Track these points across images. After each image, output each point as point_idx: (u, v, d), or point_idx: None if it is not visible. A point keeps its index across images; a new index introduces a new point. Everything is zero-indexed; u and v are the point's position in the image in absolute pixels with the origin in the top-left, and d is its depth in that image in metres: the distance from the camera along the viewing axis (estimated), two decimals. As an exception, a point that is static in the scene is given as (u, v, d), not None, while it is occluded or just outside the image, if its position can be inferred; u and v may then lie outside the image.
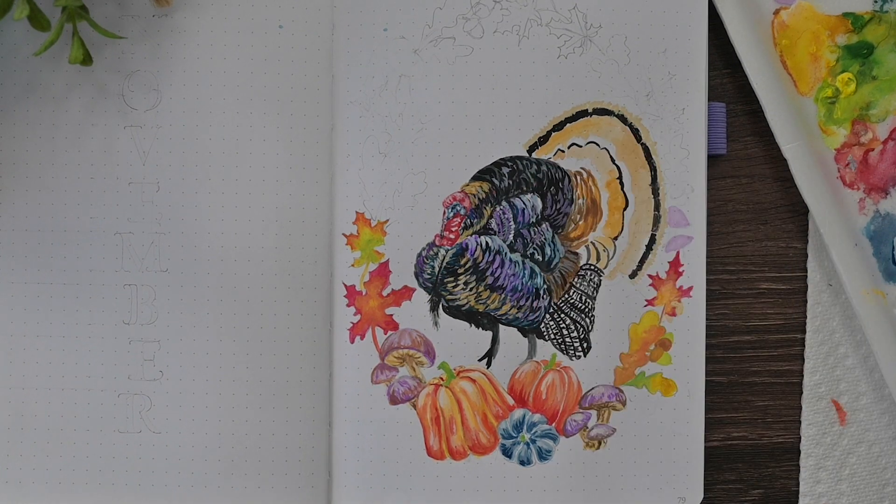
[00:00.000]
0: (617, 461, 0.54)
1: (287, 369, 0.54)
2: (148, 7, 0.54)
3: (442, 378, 0.54)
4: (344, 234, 0.54)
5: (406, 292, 0.54)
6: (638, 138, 0.54)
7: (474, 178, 0.54)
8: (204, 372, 0.54)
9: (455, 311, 0.54)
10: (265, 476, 0.54)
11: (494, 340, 0.54)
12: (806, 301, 0.56)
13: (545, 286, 0.54)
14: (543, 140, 0.54)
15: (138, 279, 0.54)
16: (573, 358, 0.54)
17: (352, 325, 0.54)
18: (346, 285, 0.54)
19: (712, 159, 0.56)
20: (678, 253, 0.54)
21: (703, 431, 0.54)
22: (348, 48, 0.54)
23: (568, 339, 0.54)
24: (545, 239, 0.54)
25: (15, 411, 0.54)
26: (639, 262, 0.54)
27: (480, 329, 0.54)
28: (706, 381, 0.55)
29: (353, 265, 0.54)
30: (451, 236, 0.54)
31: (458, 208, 0.54)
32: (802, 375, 0.56)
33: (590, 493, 0.54)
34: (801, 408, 0.56)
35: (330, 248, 0.54)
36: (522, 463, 0.54)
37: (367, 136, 0.54)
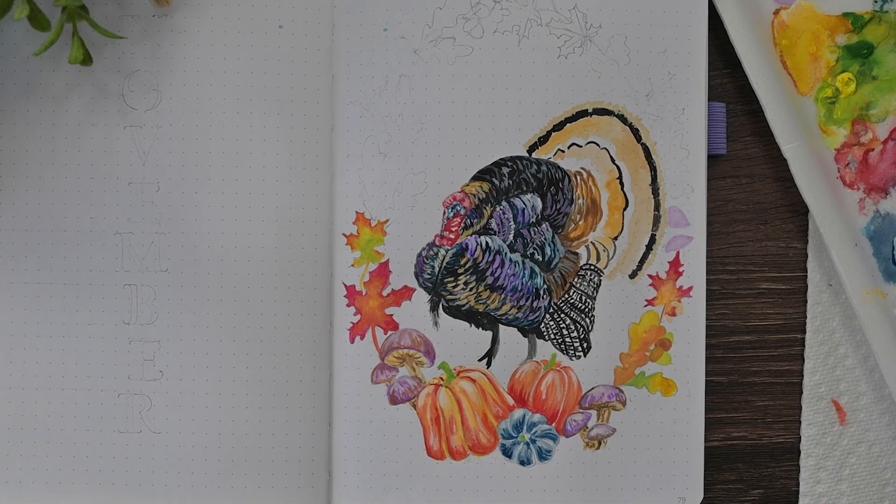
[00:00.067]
0: (617, 461, 0.54)
1: (287, 369, 0.54)
2: (148, 7, 0.54)
3: (442, 378, 0.54)
4: (344, 234, 0.54)
5: (406, 292, 0.54)
6: (638, 138, 0.54)
7: (474, 178, 0.54)
8: (204, 372, 0.54)
9: (455, 311, 0.54)
10: (265, 476, 0.54)
11: (494, 340, 0.54)
12: (806, 301, 0.56)
13: (545, 286, 0.54)
14: (543, 140, 0.54)
15: (138, 279, 0.54)
16: (573, 358, 0.54)
17: (352, 325, 0.54)
18: (346, 285, 0.54)
19: (712, 159, 0.56)
20: (678, 253, 0.54)
21: (703, 431, 0.54)
22: (348, 48, 0.54)
23: (568, 339, 0.54)
24: (545, 239, 0.54)
25: (15, 411, 0.54)
26: (639, 262, 0.54)
27: (480, 329, 0.54)
28: (706, 381, 0.55)
29: (353, 265, 0.54)
30: (451, 236, 0.54)
31: (458, 208, 0.54)
32: (802, 375, 0.56)
33: (590, 493, 0.54)
34: (801, 408, 0.56)
35: (330, 248, 0.54)
36: (522, 463, 0.54)
37: (367, 136, 0.54)
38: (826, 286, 0.56)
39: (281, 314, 0.54)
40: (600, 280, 0.54)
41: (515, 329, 0.54)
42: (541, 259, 0.54)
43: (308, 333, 0.54)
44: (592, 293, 0.54)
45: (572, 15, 0.54)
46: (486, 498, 0.54)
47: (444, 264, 0.54)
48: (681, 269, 0.54)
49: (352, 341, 0.54)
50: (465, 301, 0.54)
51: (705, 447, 0.56)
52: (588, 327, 0.54)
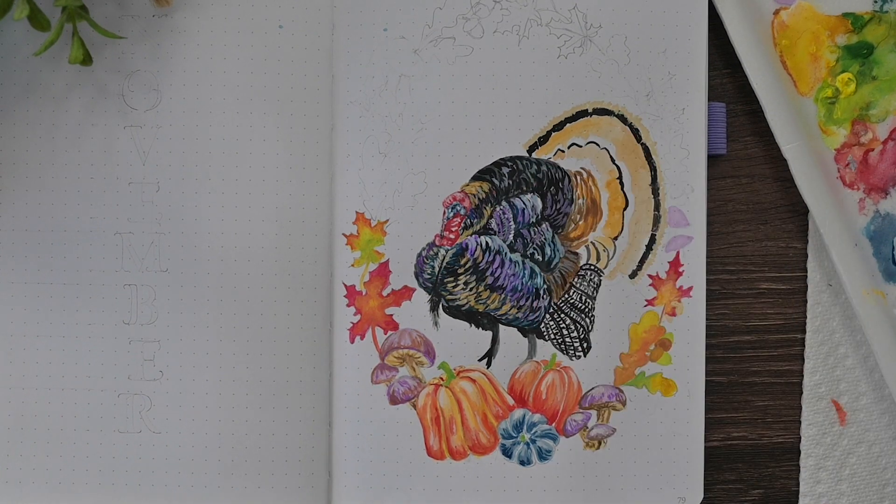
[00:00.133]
0: (617, 461, 0.54)
1: (287, 369, 0.54)
2: (148, 7, 0.54)
3: (442, 378, 0.54)
4: (344, 234, 0.54)
5: (406, 292, 0.54)
6: (638, 138, 0.54)
7: (474, 178, 0.54)
8: (204, 372, 0.54)
9: (455, 311, 0.54)
10: (265, 476, 0.54)
11: (494, 340, 0.54)
12: (806, 301, 0.56)
13: (545, 286, 0.54)
14: (543, 140, 0.54)
15: (138, 279, 0.54)
16: (573, 358, 0.54)
17: (352, 325, 0.54)
18: (346, 285, 0.54)
19: (712, 159, 0.56)
20: (678, 253, 0.54)
21: (703, 431, 0.54)
22: (348, 48, 0.54)
23: (568, 339, 0.54)
24: (545, 239, 0.54)
25: (15, 411, 0.54)
26: (639, 262, 0.54)
27: (480, 329, 0.54)
28: (706, 381, 0.55)
29: (353, 265, 0.54)
30: (451, 236, 0.54)
31: (458, 208, 0.54)
32: (802, 375, 0.56)
33: (590, 493, 0.54)
34: (801, 408, 0.56)
35: (330, 248, 0.54)
36: (522, 463, 0.54)
37: (367, 136, 0.54)
38: (826, 286, 0.56)
39: (281, 314, 0.54)
40: (600, 280, 0.54)
41: (515, 329, 0.54)
42: (541, 259, 0.54)
43: (308, 333, 0.54)
44: (592, 293, 0.54)
45: (572, 15, 0.54)
46: (486, 498, 0.54)
47: (444, 264, 0.54)
48: (681, 269, 0.54)
49: (352, 341, 0.54)
50: (465, 301, 0.54)
51: (705, 447, 0.56)
52: (588, 327, 0.54)
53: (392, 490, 0.54)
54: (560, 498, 0.54)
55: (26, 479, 0.54)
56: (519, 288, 0.54)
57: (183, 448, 0.54)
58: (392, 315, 0.54)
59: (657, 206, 0.54)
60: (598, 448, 0.54)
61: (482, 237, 0.54)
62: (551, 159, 0.54)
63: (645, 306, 0.54)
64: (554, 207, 0.54)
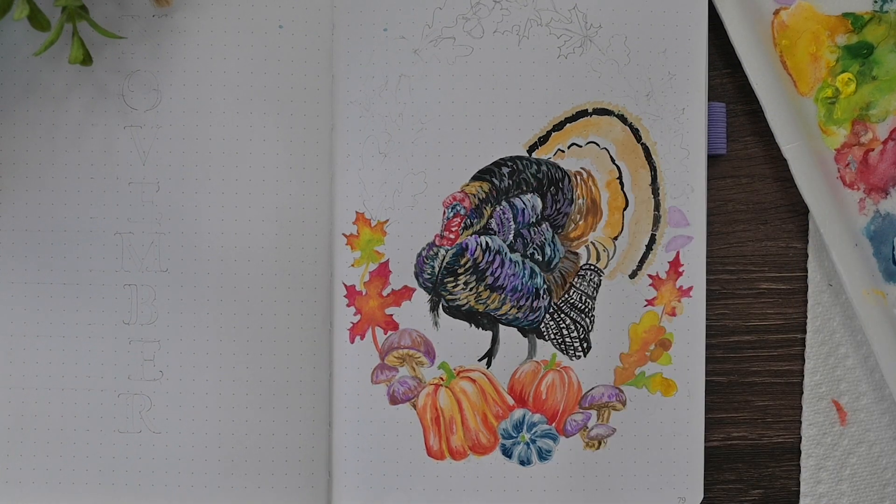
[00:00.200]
0: (617, 461, 0.54)
1: (287, 369, 0.54)
2: (148, 7, 0.54)
3: (442, 378, 0.54)
4: (344, 234, 0.54)
5: (406, 292, 0.54)
6: (638, 138, 0.54)
7: (474, 178, 0.54)
8: (204, 372, 0.54)
9: (455, 311, 0.54)
10: (265, 476, 0.54)
11: (494, 340, 0.54)
12: (806, 301, 0.56)
13: (545, 286, 0.54)
14: (543, 140, 0.54)
15: (138, 279, 0.54)
16: (573, 358, 0.54)
17: (352, 325, 0.54)
18: (346, 285, 0.54)
19: (712, 159, 0.56)
20: (678, 253, 0.54)
21: (703, 431, 0.54)
22: (348, 48, 0.54)
23: (568, 339, 0.54)
24: (545, 239, 0.54)
25: (15, 411, 0.54)
26: (639, 262, 0.54)
27: (480, 329, 0.54)
28: (706, 381, 0.55)
29: (353, 265, 0.54)
30: (451, 236, 0.54)
31: (458, 208, 0.54)
32: (803, 375, 0.56)
33: (590, 493, 0.54)
34: (801, 408, 0.56)
35: (330, 248, 0.54)
36: (522, 463, 0.54)
37: (367, 136, 0.54)
38: (826, 286, 0.56)
39: (281, 314, 0.54)
40: (600, 280, 0.54)
41: (515, 329, 0.54)
42: (541, 259, 0.54)
43: (308, 333, 0.54)
44: (592, 293, 0.54)
45: (572, 15, 0.54)
46: (486, 498, 0.54)
47: (444, 264, 0.54)
48: (681, 269, 0.54)
49: (352, 341, 0.54)
50: (465, 301, 0.54)
51: (705, 447, 0.56)
52: (588, 327, 0.54)
53: (392, 490, 0.54)
54: (560, 498, 0.54)
55: (26, 479, 0.54)
56: (519, 288, 0.54)
57: (183, 448, 0.54)
58: (392, 315, 0.54)
59: (657, 206, 0.54)
60: (598, 448, 0.54)
61: (482, 237, 0.54)
62: (551, 159, 0.54)
63: (645, 306, 0.54)
64: (554, 207, 0.54)
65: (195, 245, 0.54)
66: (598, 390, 0.54)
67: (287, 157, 0.54)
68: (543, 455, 0.54)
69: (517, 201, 0.54)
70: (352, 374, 0.54)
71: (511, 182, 0.54)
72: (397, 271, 0.54)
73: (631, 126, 0.54)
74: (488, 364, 0.54)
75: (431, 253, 0.54)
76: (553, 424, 0.54)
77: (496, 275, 0.54)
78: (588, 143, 0.54)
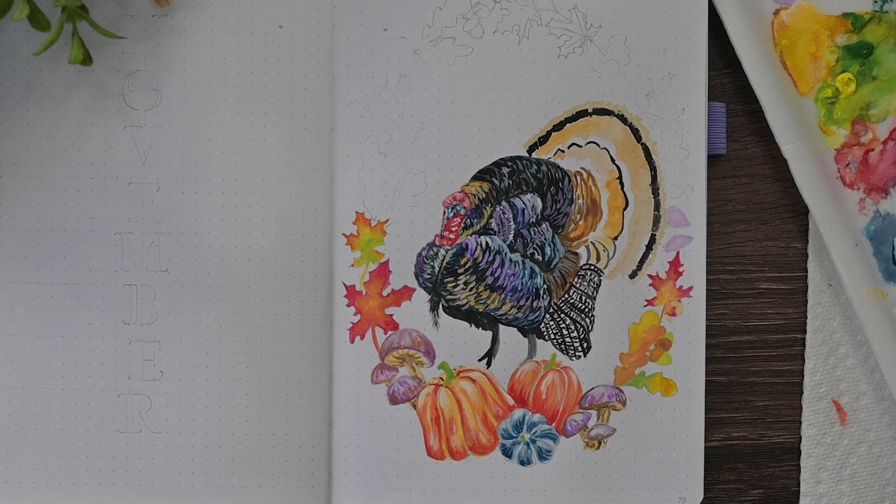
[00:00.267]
0: (617, 461, 0.54)
1: (287, 369, 0.54)
2: (148, 7, 0.54)
3: (442, 378, 0.54)
4: (344, 234, 0.54)
5: (406, 292, 0.54)
6: (638, 138, 0.54)
7: (474, 178, 0.54)
8: (204, 372, 0.54)
9: (455, 311, 0.54)
10: (265, 476, 0.54)
11: (494, 340, 0.54)
12: (806, 301, 0.56)
13: (545, 286, 0.54)
14: (543, 140, 0.54)
15: (138, 279, 0.54)
16: (573, 358, 0.54)
17: (352, 325, 0.54)
18: (346, 285, 0.54)
19: (712, 159, 0.56)
20: (678, 253, 0.54)
21: (703, 431, 0.54)
22: (348, 48, 0.54)
23: (568, 339, 0.54)
24: (545, 239, 0.54)
25: (15, 411, 0.54)
26: (639, 262, 0.54)
27: (480, 329, 0.54)
28: (706, 381, 0.55)
29: (353, 265, 0.54)
30: (451, 236, 0.54)
31: (458, 208, 0.54)
32: (803, 375, 0.56)
33: (590, 493, 0.54)
34: (801, 408, 0.56)
35: (330, 248, 0.54)
36: (522, 463, 0.54)
37: (367, 136, 0.54)
38: (826, 286, 0.56)
39: (281, 314, 0.54)
40: (600, 280, 0.54)
41: (515, 329, 0.54)
42: (541, 259, 0.54)
43: (308, 333, 0.54)
44: (592, 293, 0.54)
45: (572, 15, 0.54)
46: (486, 498, 0.54)
47: (444, 264, 0.54)
48: (681, 269, 0.54)
49: (352, 341, 0.54)
50: (465, 301, 0.54)
51: (705, 447, 0.56)
52: (588, 327, 0.54)
53: (392, 490, 0.54)
54: (560, 498, 0.54)
55: (26, 479, 0.54)
56: (519, 288, 0.54)
57: (183, 448, 0.54)
58: (392, 315, 0.54)
59: (657, 206, 0.54)
60: (598, 448, 0.54)
61: (482, 237, 0.54)
62: (551, 159, 0.54)
63: (645, 306, 0.54)
64: (554, 207, 0.54)
65: (195, 245, 0.54)
66: (598, 390, 0.54)
67: (287, 157, 0.54)
68: (543, 455, 0.54)
69: (517, 201, 0.54)
70: (352, 374, 0.54)
71: (511, 182, 0.54)
72: (397, 271, 0.54)
73: (631, 126, 0.54)
74: (488, 364, 0.54)
75: (431, 253, 0.54)
76: (553, 424, 0.54)
77: (496, 275, 0.54)
78: (588, 143, 0.54)
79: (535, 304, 0.54)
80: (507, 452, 0.54)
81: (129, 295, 0.54)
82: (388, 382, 0.54)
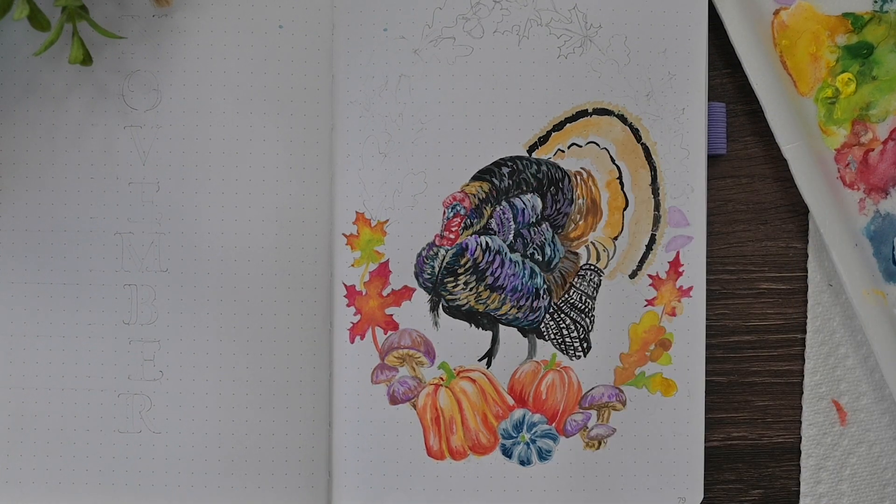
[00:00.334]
0: (617, 461, 0.54)
1: (287, 369, 0.54)
2: (148, 7, 0.54)
3: (442, 378, 0.54)
4: (344, 234, 0.54)
5: (406, 292, 0.54)
6: (638, 138, 0.54)
7: (474, 178, 0.54)
8: (204, 372, 0.54)
9: (455, 311, 0.54)
10: (265, 476, 0.54)
11: (494, 340, 0.54)
12: (806, 301, 0.56)
13: (545, 286, 0.54)
14: (543, 140, 0.54)
15: (138, 279, 0.54)
16: (573, 358, 0.54)
17: (352, 325, 0.54)
18: (346, 285, 0.54)
19: (712, 159, 0.56)
20: (678, 253, 0.54)
21: (703, 431, 0.54)
22: (348, 48, 0.54)
23: (568, 339, 0.54)
24: (545, 239, 0.54)
25: (15, 411, 0.54)
26: (639, 262, 0.54)
27: (480, 329, 0.54)
28: (706, 381, 0.55)
29: (353, 265, 0.54)
30: (451, 236, 0.54)
31: (458, 208, 0.54)
32: (803, 375, 0.56)
33: (590, 493, 0.54)
34: (801, 408, 0.56)
35: (330, 248, 0.54)
36: (522, 463, 0.54)
37: (367, 136, 0.54)
38: (826, 286, 0.56)
39: (281, 314, 0.54)
40: (600, 280, 0.54)
41: (515, 329, 0.54)
42: (541, 259, 0.54)
43: (308, 333, 0.54)
44: (592, 293, 0.54)
45: (572, 15, 0.54)
46: (486, 498, 0.54)
47: (444, 264, 0.54)
48: (681, 269, 0.54)
49: (352, 341, 0.54)
50: (465, 301, 0.54)
51: (705, 447, 0.56)
52: (588, 327, 0.54)
53: (392, 490, 0.54)
54: (560, 498, 0.54)
55: (26, 479, 0.54)
56: (519, 288, 0.54)
57: (183, 448, 0.54)
58: (392, 315, 0.54)
59: (657, 206, 0.54)
60: (598, 448, 0.54)
61: (482, 237, 0.54)
62: (551, 159, 0.54)
63: (645, 306, 0.54)
64: (554, 207, 0.54)
65: (195, 245, 0.54)
66: (598, 390, 0.54)
67: (287, 157, 0.54)
68: (543, 455, 0.54)
69: (517, 201, 0.54)
70: (352, 374, 0.54)
71: (511, 182, 0.54)
72: (397, 271, 0.54)
73: (631, 126, 0.54)
74: (488, 364, 0.54)
75: (431, 253, 0.54)
76: (553, 424, 0.54)
77: (496, 275, 0.54)
78: (588, 143, 0.54)
79: (535, 304, 0.54)
80: (507, 452, 0.54)
81: (129, 295, 0.54)
82: (388, 382, 0.54)
